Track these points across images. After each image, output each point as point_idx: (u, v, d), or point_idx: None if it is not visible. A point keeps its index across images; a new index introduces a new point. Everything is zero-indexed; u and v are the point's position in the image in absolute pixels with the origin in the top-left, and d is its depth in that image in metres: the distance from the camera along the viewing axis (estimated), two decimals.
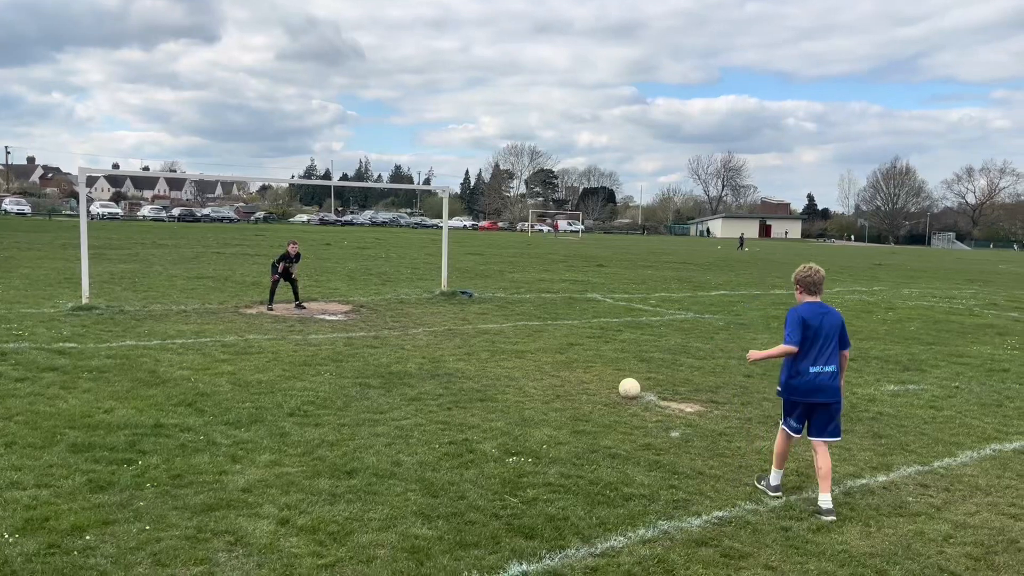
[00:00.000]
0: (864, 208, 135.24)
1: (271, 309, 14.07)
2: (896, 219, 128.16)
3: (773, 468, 5.73)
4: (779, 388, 5.68)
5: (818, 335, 5.40)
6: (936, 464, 6.51)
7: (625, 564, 4.47)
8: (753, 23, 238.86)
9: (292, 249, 14.72)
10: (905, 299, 21.29)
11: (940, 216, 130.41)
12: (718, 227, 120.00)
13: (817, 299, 5.57)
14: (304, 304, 14.68)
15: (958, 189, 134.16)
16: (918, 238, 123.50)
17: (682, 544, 4.77)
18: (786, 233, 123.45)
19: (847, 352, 5.60)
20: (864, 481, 6.02)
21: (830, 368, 5.41)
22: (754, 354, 5.78)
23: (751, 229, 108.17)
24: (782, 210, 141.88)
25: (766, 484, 5.72)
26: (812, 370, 5.38)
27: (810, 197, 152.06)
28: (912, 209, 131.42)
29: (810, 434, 5.56)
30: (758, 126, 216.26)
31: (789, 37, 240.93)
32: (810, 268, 5.65)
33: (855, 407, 8.34)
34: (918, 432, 7.46)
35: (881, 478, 6.10)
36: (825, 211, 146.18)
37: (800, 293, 5.65)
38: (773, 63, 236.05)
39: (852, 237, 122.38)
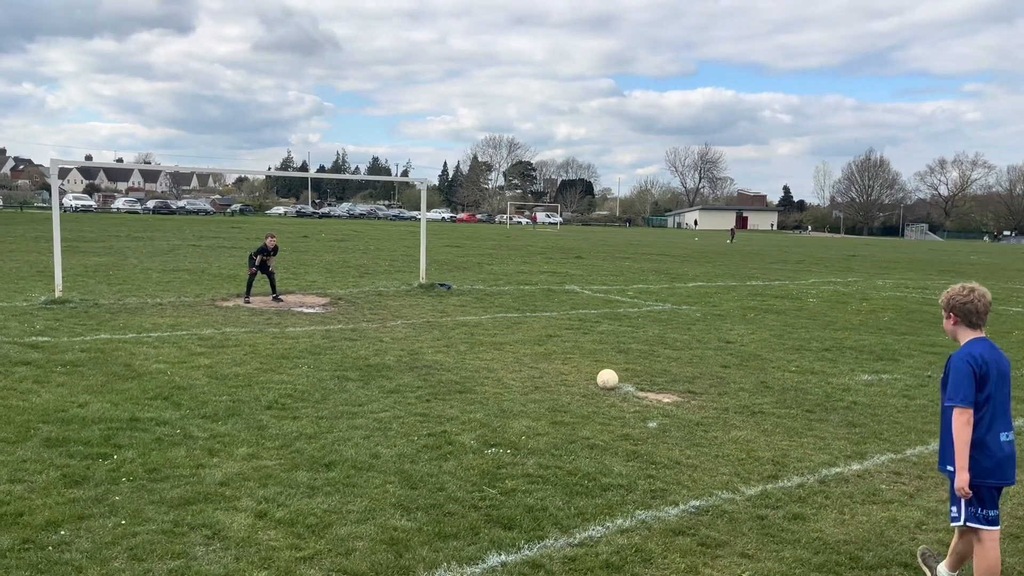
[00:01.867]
0: (839, 200, 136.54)
1: (248, 302, 13.97)
2: (870, 210, 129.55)
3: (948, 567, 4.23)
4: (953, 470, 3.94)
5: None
6: (909, 452, 6.60)
7: (603, 554, 4.50)
8: (729, 16, 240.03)
9: (270, 242, 14.62)
10: (879, 290, 21.54)
11: (913, 208, 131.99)
12: (694, 218, 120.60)
13: (983, 335, 4.06)
14: (281, 297, 14.59)
15: (931, 181, 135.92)
16: (892, 229, 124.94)
17: (660, 533, 4.81)
18: (759, 226, 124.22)
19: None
20: (838, 469, 6.10)
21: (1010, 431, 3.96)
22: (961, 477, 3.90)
23: (728, 221, 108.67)
24: (758, 202, 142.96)
25: None
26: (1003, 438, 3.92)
27: (786, 189, 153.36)
28: (886, 201, 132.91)
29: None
30: (734, 118, 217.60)
31: (764, 30, 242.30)
32: (972, 291, 4.08)
33: (830, 396, 8.44)
34: (891, 421, 7.56)
35: (855, 466, 6.18)
36: (801, 203, 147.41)
37: (955, 324, 4.10)
38: (749, 56, 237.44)
39: (827, 228, 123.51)
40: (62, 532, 4.47)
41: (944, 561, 4.30)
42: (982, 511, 3.93)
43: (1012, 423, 3.98)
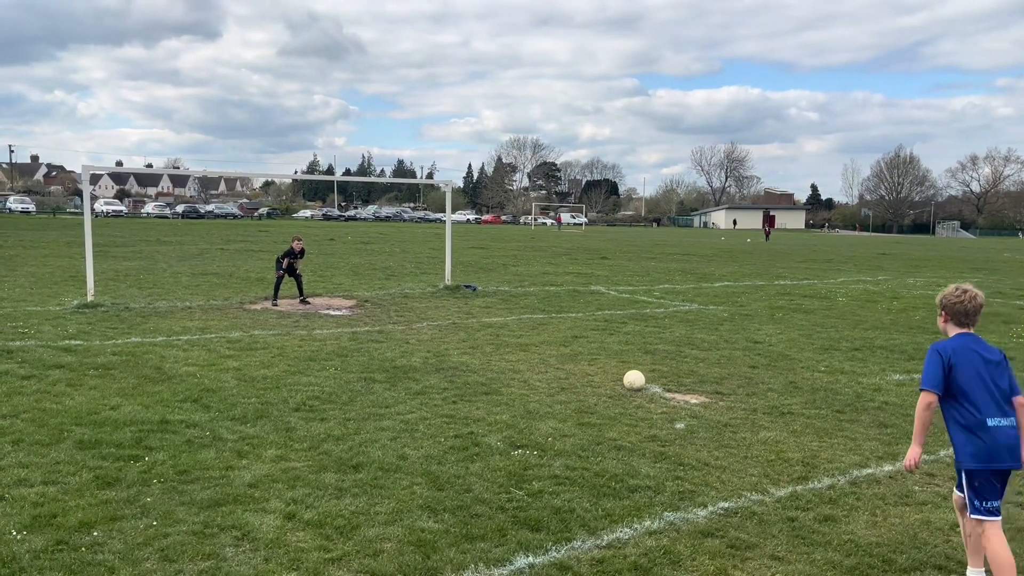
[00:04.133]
0: (868, 198, 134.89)
1: (276, 305, 14.09)
2: (900, 208, 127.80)
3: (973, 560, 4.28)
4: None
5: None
6: (942, 453, 6.49)
7: (631, 556, 4.48)
8: (753, 13, 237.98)
9: (297, 245, 14.73)
10: (910, 288, 21.24)
11: (944, 205, 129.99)
12: (734, 218, 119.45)
13: (970, 331, 4.26)
14: (308, 300, 14.69)
15: (962, 178, 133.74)
16: (923, 227, 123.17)
17: (688, 535, 4.77)
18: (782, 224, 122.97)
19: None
20: (870, 471, 6.02)
21: (1006, 422, 4.04)
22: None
23: (754, 220, 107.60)
24: (785, 200, 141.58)
25: None
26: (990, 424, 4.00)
27: (814, 187, 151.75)
28: (916, 198, 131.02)
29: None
30: (760, 116, 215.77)
31: (790, 27, 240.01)
32: (964, 292, 4.30)
33: (860, 397, 8.32)
34: None
35: (887, 468, 6.10)
36: (829, 201, 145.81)
37: (945, 322, 4.38)
38: (774, 53, 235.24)
39: (856, 226, 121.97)
40: (95, 533, 4.53)
41: (969, 564, 4.32)
42: (984, 503, 4.01)
43: (1007, 410, 4.05)
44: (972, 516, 4.07)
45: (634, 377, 8.40)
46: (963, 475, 4.08)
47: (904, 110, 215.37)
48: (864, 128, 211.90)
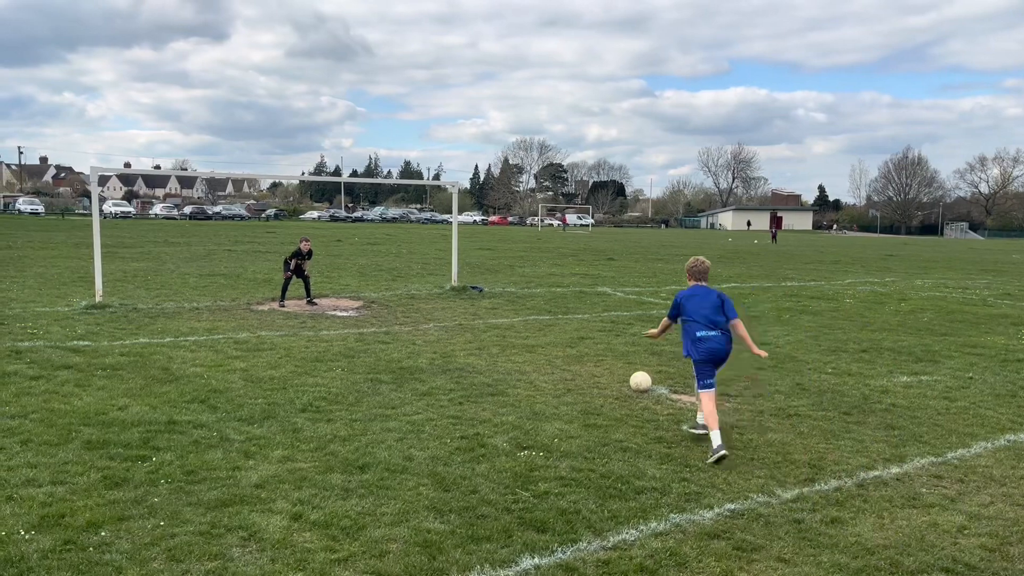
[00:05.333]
0: (876, 199, 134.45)
1: (283, 306, 14.12)
2: (908, 209, 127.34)
3: (711, 432, 6.23)
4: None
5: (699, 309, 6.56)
6: (950, 455, 6.47)
7: (637, 557, 4.47)
8: (761, 14, 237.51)
9: (304, 246, 14.77)
10: (918, 290, 21.16)
11: (953, 206, 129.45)
12: (729, 219, 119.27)
13: (702, 283, 6.77)
14: (316, 300, 14.72)
15: (971, 179, 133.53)
16: (931, 228, 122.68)
17: (694, 537, 4.76)
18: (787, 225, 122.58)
19: (738, 322, 6.65)
20: (877, 473, 6.00)
21: (714, 332, 6.47)
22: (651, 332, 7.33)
23: (761, 221, 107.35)
24: (793, 201, 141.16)
25: (713, 455, 6.10)
26: (704, 334, 6.48)
27: (821, 188, 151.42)
28: (924, 199, 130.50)
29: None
30: (768, 117, 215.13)
31: (797, 27, 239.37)
32: (697, 260, 6.93)
33: (867, 398, 8.30)
34: (932, 423, 7.42)
35: (894, 469, 6.08)
36: (836, 202, 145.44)
37: (688, 278, 6.90)
38: (782, 54, 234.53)
39: (855, 227, 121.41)
40: (103, 533, 4.55)
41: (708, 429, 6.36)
42: (703, 382, 6.48)
43: (713, 326, 6.48)
44: (698, 390, 6.53)
45: (640, 379, 8.39)
46: (693, 366, 6.55)
47: (912, 111, 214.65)
48: (872, 129, 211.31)
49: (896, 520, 5.12)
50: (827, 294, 19.27)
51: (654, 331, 7.21)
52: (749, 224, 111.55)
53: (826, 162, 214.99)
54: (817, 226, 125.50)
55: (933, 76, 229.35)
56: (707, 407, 6.36)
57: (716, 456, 6.03)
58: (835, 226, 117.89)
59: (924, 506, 5.37)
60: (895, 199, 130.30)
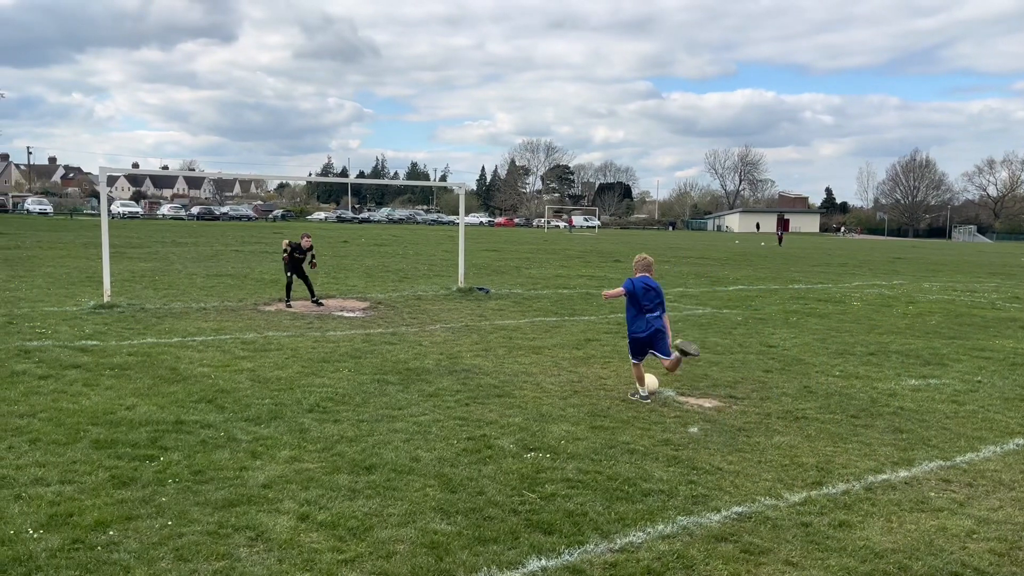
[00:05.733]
0: (883, 201, 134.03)
1: (289, 306, 14.15)
2: (916, 212, 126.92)
3: (640, 387, 8.10)
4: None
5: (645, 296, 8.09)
6: (959, 459, 6.45)
7: (644, 560, 4.47)
8: (769, 16, 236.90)
9: (305, 242, 14.75)
10: (926, 293, 21.09)
11: (961, 209, 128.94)
12: (736, 221, 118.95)
13: (646, 274, 8.22)
14: (322, 301, 14.74)
15: (979, 181, 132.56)
16: (939, 231, 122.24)
17: (701, 540, 4.75)
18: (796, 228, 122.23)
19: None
20: (885, 476, 5.98)
21: (655, 312, 8.10)
22: (608, 293, 8.56)
23: (770, 223, 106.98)
24: (800, 204, 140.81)
25: (638, 396, 8.01)
26: (647, 316, 8.07)
27: (828, 191, 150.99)
28: (932, 202, 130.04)
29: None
30: (775, 120, 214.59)
31: (805, 29, 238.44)
32: (643, 256, 8.41)
33: (875, 402, 8.27)
34: (940, 427, 7.39)
35: (903, 473, 6.06)
36: (844, 205, 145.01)
37: (634, 271, 8.34)
38: (790, 56, 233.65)
39: (859, 229, 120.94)
40: (111, 532, 4.56)
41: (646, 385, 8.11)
42: (635, 357, 8.10)
43: (651, 313, 8.03)
44: (633, 360, 8.13)
45: (648, 381, 8.37)
46: (630, 344, 8.14)
47: (920, 113, 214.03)
48: (880, 131, 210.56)
49: (905, 524, 5.10)
50: (834, 297, 19.21)
51: (612, 292, 8.42)
52: (758, 227, 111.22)
53: (834, 164, 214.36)
54: (824, 229, 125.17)
55: (942, 79, 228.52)
56: (638, 373, 8.13)
57: (639, 397, 8.00)
58: (842, 228, 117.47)
59: (933, 510, 5.35)
60: (903, 202, 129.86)
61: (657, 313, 8.06)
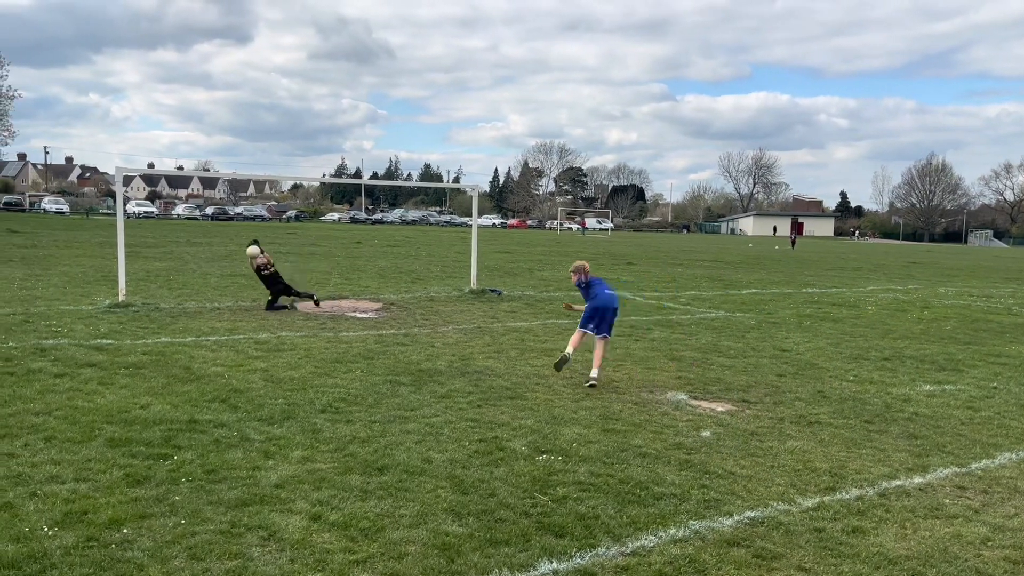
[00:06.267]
0: (899, 205, 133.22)
1: (295, 307, 14.13)
2: (932, 216, 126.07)
3: (570, 349, 8.93)
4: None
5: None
6: (974, 466, 6.40)
7: (656, 564, 4.45)
8: (783, 18, 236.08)
9: (261, 260, 14.17)
10: (941, 298, 20.94)
11: (977, 213, 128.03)
12: (749, 224, 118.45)
13: (596, 276, 9.42)
14: (319, 300, 14.22)
15: (996, 186, 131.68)
16: (954, 235, 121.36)
17: (714, 544, 4.74)
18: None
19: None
20: (899, 482, 5.94)
21: (612, 290, 9.35)
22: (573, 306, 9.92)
23: (786, 226, 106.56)
24: (814, 207, 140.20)
25: (560, 359, 8.90)
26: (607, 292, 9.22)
27: (843, 194, 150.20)
28: (948, 206, 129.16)
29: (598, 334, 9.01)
30: (790, 123, 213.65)
31: (820, 32, 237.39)
32: (583, 263, 9.41)
33: (890, 407, 8.22)
34: (955, 433, 7.33)
35: (917, 479, 6.01)
36: (859, 208, 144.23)
37: (581, 275, 9.30)
38: (804, 59, 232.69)
39: (872, 233, 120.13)
40: (125, 530, 4.59)
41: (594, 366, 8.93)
42: (586, 325, 9.00)
43: (611, 295, 9.16)
44: (579, 328, 9.07)
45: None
46: (585, 315, 9.08)
47: (936, 117, 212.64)
48: (895, 135, 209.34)
49: (919, 531, 5.06)
50: (849, 301, 19.11)
51: (577, 307, 9.56)
52: (775, 230, 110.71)
53: (848, 168, 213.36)
54: (839, 232, 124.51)
55: (958, 82, 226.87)
56: (576, 338, 8.99)
57: (559, 360, 8.89)
58: (856, 232, 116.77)
59: (947, 517, 5.31)
60: (918, 206, 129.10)
61: (612, 293, 9.28)
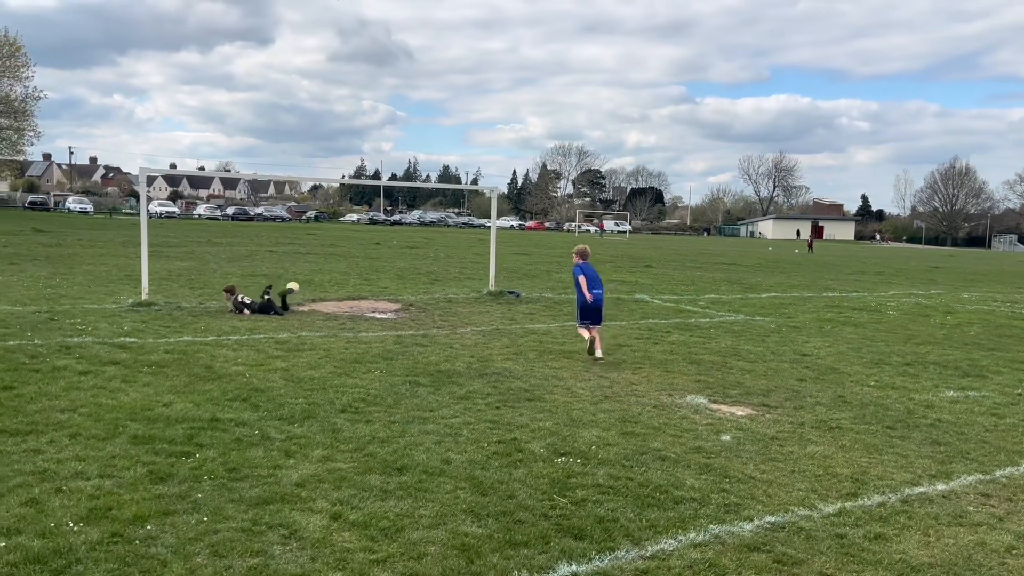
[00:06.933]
0: (921, 209, 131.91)
1: (286, 310, 13.50)
2: (955, 220, 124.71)
3: (589, 340, 10.52)
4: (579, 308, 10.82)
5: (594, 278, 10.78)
6: (998, 473, 6.32)
7: (676, 567, 4.44)
8: (805, 21, 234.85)
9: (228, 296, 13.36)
10: (964, 303, 20.71)
11: (1001, 218, 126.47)
12: (797, 229, 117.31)
13: (587, 262, 10.81)
14: (283, 310, 13.41)
15: (1020, 190, 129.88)
16: (978, 240, 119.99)
17: (734, 549, 4.71)
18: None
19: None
20: (922, 489, 5.88)
21: (598, 291, 10.69)
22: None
23: (806, 230, 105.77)
24: (835, 211, 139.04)
25: (593, 349, 10.40)
26: (594, 292, 10.61)
27: (864, 198, 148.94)
28: (972, 210, 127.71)
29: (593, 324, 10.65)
30: (810, 126, 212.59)
31: (842, 35, 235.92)
32: (585, 246, 11.05)
33: (912, 413, 8.14)
34: (979, 440, 7.25)
35: (940, 486, 5.95)
36: (880, 212, 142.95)
37: (578, 259, 10.84)
38: (826, 61, 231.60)
39: (889, 238, 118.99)
40: (148, 527, 4.64)
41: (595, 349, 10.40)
42: (582, 322, 10.64)
43: (599, 287, 10.66)
44: (579, 328, 10.75)
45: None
46: (578, 311, 10.72)
47: (960, 120, 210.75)
48: (918, 138, 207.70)
49: (942, 538, 5.02)
50: (870, 305, 18.95)
51: (583, 284, 10.62)
52: (799, 233, 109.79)
53: (870, 171, 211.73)
54: (859, 236, 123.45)
55: (982, 85, 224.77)
56: (586, 334, 10.56)
57: (592, 351, 10.35)
58: (878, 235, 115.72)
59: (971, 524, 5.25)
60: (941, 210, 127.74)
61: (600, 291, 10.69)
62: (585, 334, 10.54)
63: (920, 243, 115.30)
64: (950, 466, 6.46)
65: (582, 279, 10.52)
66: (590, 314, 10.57)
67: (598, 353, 10.26)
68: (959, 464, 6.53)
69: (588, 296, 10.47)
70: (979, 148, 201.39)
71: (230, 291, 13.59)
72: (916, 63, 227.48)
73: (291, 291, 14.08)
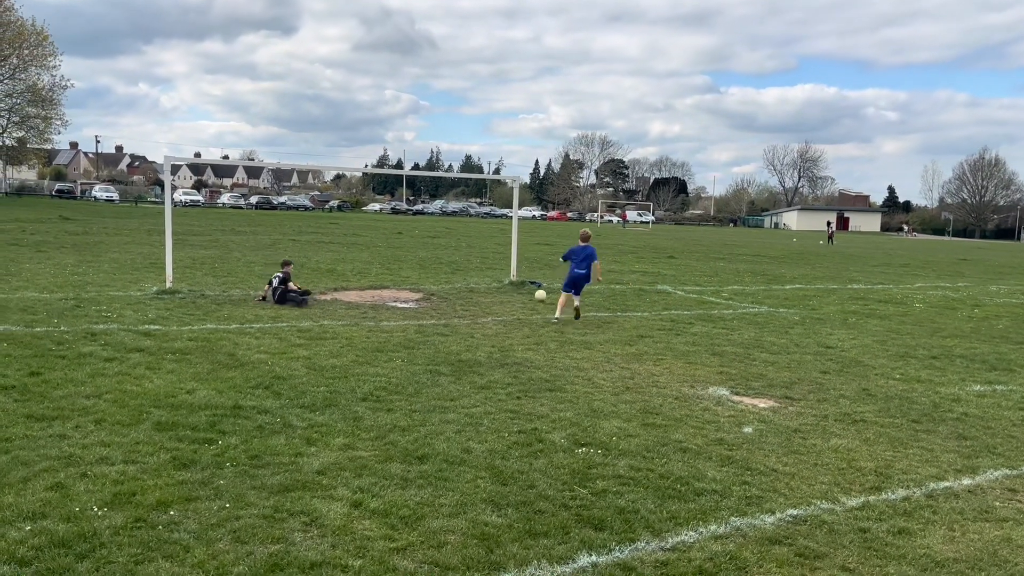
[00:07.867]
0: (949, 201, 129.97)
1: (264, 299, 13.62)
2: (983, 212, 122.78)
3: (559, 312, 12.61)
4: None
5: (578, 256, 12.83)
6: None
7: (696, 560, 4.42)
8: (831, 9, 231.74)
9: (288, 270, 13.61)
10: (992, 296, 20.40)
11: None
12: (793, 219, 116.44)
13: (584, 244, 12.80)
14: (306, 296, 13.42)
15: None
16: (1007, 232, 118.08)
17: (755, 542, 4.68)
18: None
19: (597, 263, 12.89)
20: (948, 484, 5.80)
21: (583, 270, 12.71)
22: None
23: (833, 221, 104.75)
24: (861, 202, 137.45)
25: (556, 320, 12.37)
26: (576, 271, 12.75)
27: (891, 189, 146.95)
28: (1001, 202, 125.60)
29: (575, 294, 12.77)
30: (837, 116, 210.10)
31: (870, 24, 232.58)
32: (585, 231, 13.14)
33: (938, 407, 8.04)
34: (1006, 435, 7.14)
35: (966, 481, 5.87)
36: (907, 204, 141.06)
37: (580, 241, 12.84)
38: (853, 51, 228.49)
39: (913, 231, 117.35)
40: (171, 512, 4.68)
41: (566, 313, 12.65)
42: (565, 289, 12.99)
43: (583, 266, 12.79)
44: (563, 292, 12.98)
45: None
46: (566, 280, 12.96)
47: (990, 110, 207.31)
48: (946, 128, 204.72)
49: (967, 533, 4.95)
50: (895, 298, 18.72)
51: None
52: (829, 224, 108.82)
53: (897, 162, 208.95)
54: (885, 228, 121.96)
55: (1013, 74, 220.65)
56: (562, 300, 12.67)
57: (555, 320, 12.32)
58: (905, 227, 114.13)
59: (997, 520, 5.18)
60: (969, 201, 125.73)
61: (583, 272, 12.72)
62: (562, 300, 12.81)
63: (947, 235, 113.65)
64: (976, 460, 6.37)
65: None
66: (570, 285, 12.96)
67: (558, 313, 12.63)
68: (985, 459, 6.44)
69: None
70: (1009, 139, 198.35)
71: (286, 264, 13.72)
72: (945, 52, 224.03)
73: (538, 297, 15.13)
